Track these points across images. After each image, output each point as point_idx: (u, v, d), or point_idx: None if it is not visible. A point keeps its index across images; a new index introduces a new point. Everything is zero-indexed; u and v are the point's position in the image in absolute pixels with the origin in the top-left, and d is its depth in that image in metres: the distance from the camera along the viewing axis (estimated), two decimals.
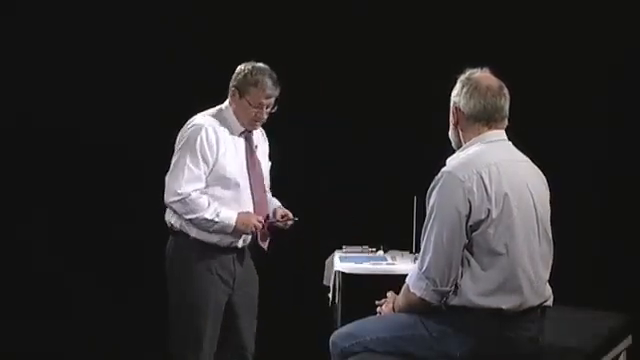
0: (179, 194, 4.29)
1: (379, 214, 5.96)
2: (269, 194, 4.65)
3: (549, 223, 3.63)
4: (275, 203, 4.63)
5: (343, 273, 5.52)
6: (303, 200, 5.30)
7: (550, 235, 3.62)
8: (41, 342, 5.79)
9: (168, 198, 4.34)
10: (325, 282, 5.71)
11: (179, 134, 4.40)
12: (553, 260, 3.65)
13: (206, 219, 4.31)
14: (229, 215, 4.33)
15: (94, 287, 5.93)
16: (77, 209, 5.98)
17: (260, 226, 4.41)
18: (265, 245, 4.52)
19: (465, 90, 3.59)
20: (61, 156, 5.97)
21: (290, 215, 4.57)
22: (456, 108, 3.61)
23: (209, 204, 4.31)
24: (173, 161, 4.37)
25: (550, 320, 3.68)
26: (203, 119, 4.39)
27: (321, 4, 5.99)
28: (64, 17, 5.89)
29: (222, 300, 4.46)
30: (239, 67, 4.43)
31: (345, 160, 6.04)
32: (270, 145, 4.66)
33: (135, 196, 5.73)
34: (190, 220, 4.33)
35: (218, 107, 4.46)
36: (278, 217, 4.53)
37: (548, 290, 3.64)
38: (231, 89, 4.41)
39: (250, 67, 4.39)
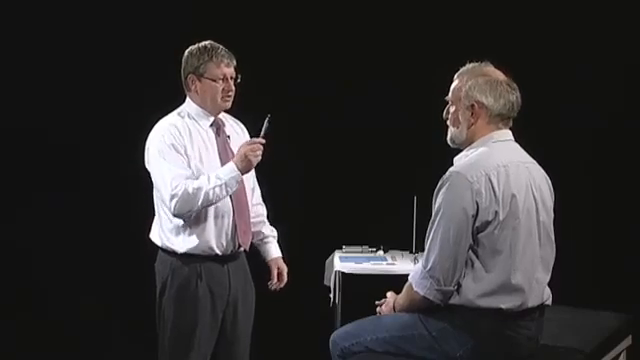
0: (174, 195, 4.00)
1: (379, 214, 5.96)
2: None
3: (552, 226, 3.62)
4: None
5: (343, 273, 5.51)
6: (303, 200, 5.33)
7: (553, 238, 3.61)
8: None
9: (172, 209, 4.03)
10: (325, 282, 5.71)
11: (146, 148, 4.17)
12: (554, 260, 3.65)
13: (213, 188, 3.99)
14: (228, 169, 4.05)
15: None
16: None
17: (259, 145, 4.10)
18: (247, 245, 4.26)
19: (490, 87, 3.53)
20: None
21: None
22: (479, 105, 3.53)
23: (200, 179, 4.02)
24: (152, 175, 4.12)
25: (550, 320, 3.68)
26: (163, 122, 4.17)
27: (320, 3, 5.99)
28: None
29: (214, 325, 4.19)
30: (184, 57, 4.18)
31: (345, 160, 6.03)
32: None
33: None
34: (206, 201, 3.99)
35: (178, 109, 4.22)
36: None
37: (547, 292, 3.63)
38: (188, 79, 4.17)
39: (195, 49, 4.16)
